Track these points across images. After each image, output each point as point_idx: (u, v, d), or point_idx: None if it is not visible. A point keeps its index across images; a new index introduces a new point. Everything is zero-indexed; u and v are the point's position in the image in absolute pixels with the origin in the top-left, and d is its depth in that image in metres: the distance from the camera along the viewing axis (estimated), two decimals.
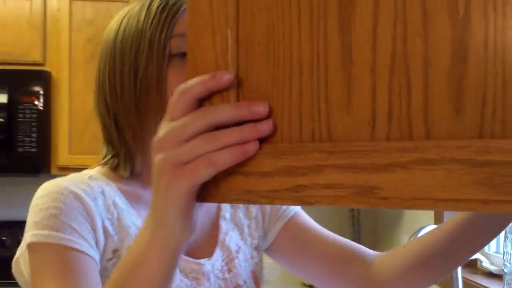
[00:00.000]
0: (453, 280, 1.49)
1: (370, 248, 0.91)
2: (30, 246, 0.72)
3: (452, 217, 0.75)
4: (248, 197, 0.43)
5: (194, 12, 0.46)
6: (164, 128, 0.49)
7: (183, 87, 0.48)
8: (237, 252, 0.87)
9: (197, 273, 0.81)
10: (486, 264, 1.72)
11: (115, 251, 0.76)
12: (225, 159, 0.45)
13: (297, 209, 0.95)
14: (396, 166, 0.39)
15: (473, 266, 1.80)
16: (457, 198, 0.37)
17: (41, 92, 2.31)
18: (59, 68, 2.36)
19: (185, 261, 0.82)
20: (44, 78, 2.31)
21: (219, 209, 0.91)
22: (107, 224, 0.76)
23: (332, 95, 0.41)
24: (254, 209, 0.92)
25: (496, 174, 0.36)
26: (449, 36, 0.38)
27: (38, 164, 2.32)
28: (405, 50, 0.39)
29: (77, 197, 0.74)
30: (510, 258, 1.01)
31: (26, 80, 2.31)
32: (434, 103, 0.38)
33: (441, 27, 0.38)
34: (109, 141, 0.84)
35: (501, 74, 0.36)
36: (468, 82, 0.37)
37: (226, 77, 0.46)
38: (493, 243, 1.80)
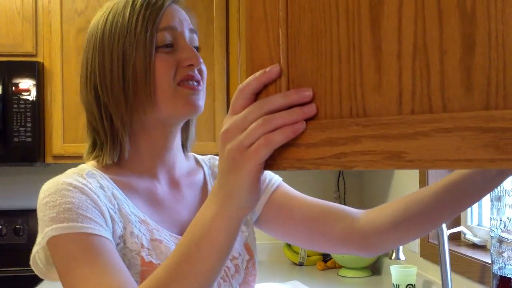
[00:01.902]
0: (440, 252, 1.60)
1: None
2: (52, 239, 0.78)
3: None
4: (298, 164, 0.53)
5: (250, 14, 0.56)
6: (227, 122, 0.58)
7: (241, 86, 0.57)
8: None
9: None
10: (469, 236, 1.80)
11: (121, 236, 0.83)
12: (279, 138, 0.54)
13: (280, 182, 1.01)
14: (419, 134, 0.48)
15: (457, 238, 1.88)
16: (469, 158, 0.46)
17: (34, 82, 2.35)
18: (51, 59, 2.40)
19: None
20: (36, 69, 2.35)
21: (206, 192, 0.98)
22: (112, 212, 0.83)
23: (365, 78, 0.51)
24: None
25: (499, 137, 0.45)
26: (460, 29, 0.47)
27: (33, 153, 2.36)
28: (424, 41, 0.49)
29: (82, 191, 0.81)
30: (496, 224, 1.12)
31: (19, 71, 2.34)
32: (449, 83, 0.48)
33: (453, 21, 0.47)
34: (95, 129, 0.90)
35: (501, 59, 0.46)
36: (476, 66, 0.47)
37: (275, 69, 0.55)
38: (475, 216, 1.88)
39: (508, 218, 1.06)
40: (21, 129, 2.34)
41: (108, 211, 0.83)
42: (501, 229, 1.07)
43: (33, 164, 2.41)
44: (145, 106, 0.86)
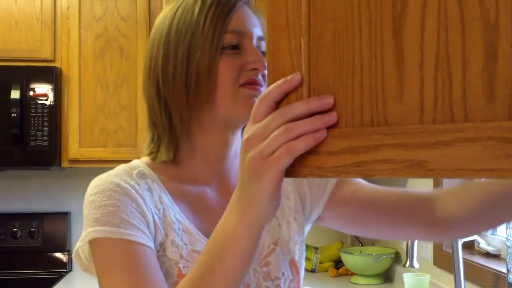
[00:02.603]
0: (454, 260, 1.60)
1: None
2: (93, 241, 0.78)
3: None
4: (318, 172, 0.53)
5: (273, 22, 0.56)
6: (249, 130, 0.58)
7: (262, 94, 0.57)
8: (275, 244, 0.91)
9: None
10: (483, 245, 1.80)
11: (161, 244, 0.82)
12: (301, 146, 0.54)
13: None
14: (441, 143, 0.48)
15: (471, 247, 1.89)
16: (491, 168, 0.46)
17: (52, 87, 2.38)
18: (69, 64, 2.43)
19: None
20: (54, 74, 2.39)
21: None
22: (156, 218, 0.82)
23: (387, 87, 0.51)
24: (292, 196, 0.94)
25: None
26: (482, 39, 0.47)
27: (49, 157, 2.39)
28: (447, 51, 0.49)
29: (128, 194, 0.80)
30: None
31: (37, 76, 2.38)
32: (471, 93, 0.48)
33: (476, 32, 0.47)
34: (155, 124, 0.88)
35: None
36: (498, 76, 0.47)
37: (296, 77, 0.55)
38: None
39: None
40: (38, 133, 2.37)
41: (152, 216, 0.82)
42: None
43: (49, 168, 2.44)
44: (203, 106, 0.84)
